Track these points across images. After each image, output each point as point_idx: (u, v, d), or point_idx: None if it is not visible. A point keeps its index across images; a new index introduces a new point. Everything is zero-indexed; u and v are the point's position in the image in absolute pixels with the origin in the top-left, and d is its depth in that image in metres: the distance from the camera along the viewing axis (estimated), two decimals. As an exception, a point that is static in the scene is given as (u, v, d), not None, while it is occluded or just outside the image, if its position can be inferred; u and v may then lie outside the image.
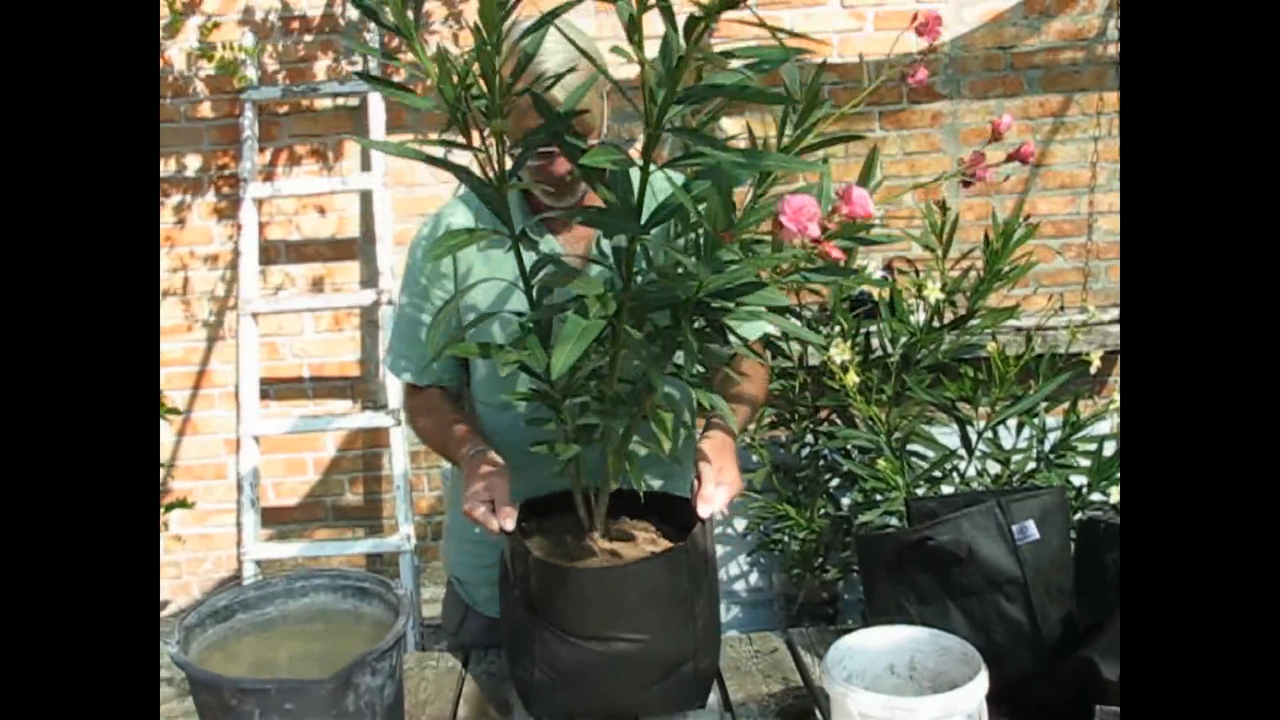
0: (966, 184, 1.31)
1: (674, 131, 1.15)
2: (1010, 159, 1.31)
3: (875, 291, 2.18)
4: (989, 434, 1.94)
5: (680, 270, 1.20)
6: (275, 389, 3.24)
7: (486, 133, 1.23)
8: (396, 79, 3.06)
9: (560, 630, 1.26)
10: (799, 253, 1.10)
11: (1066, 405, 1.92)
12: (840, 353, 1.86)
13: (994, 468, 2.00)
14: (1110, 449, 1.86)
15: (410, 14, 1.19)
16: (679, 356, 1.24)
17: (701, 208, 1.14)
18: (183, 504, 3.07)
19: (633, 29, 1.07)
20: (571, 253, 1.54)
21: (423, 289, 1.57)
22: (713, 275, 1.14)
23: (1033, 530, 1.34)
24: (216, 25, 3.06)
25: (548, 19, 1.18)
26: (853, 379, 1.85)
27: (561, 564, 1.30)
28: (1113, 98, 3.17)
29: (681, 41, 1.05)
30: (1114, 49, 3.16)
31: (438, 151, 1.26)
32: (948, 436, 2.00)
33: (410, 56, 1.23)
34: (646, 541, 1.38)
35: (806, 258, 1.17)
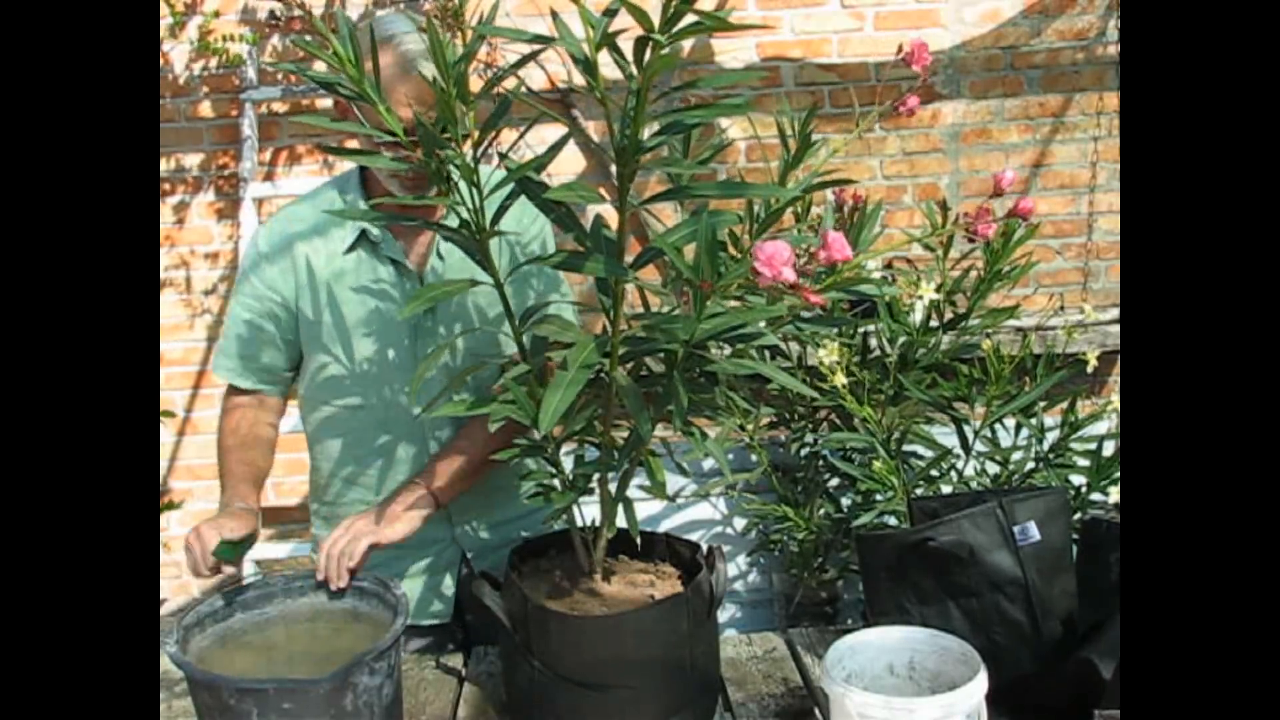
0: (970, 239, 1.30)
1: (652, 166, 1.15)
2: (1010, 215, 1.31)
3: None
4: (986, 433, 1.94)
5: (674, 318, 1.20)
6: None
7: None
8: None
9: (559, 676, 1.26)
10: (795, 301, 1.10)
11: (1065, 405, 1.92)
12: (830, 354, 1.86)
13: (993, 468, 2.00)
14: (1109, 449, 1.86)
15: (370, 76, 1.21)
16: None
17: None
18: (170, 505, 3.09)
19: (589, 71, 1.08)
20: (413, 255, 1.57)
21: (257, 293, 1.57)
22: (704, 321, 1.13)
23: (1034, 531, 1.34)
24: (218, 14, 3.06)
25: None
26: (842, 379, 1.85)
27: (560, 611, 1.29)
28: (1113, 98, 3.17)
29: (634, 70, 1.06)
30: (1114, 49, 3.16)
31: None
32: (947, 436, 2.00)
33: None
34: (646, 584, 1.38)
35: (803, 307, 1.17)
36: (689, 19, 1.03)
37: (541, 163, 1.23)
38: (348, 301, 1.54)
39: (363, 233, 1.54)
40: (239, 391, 1.65)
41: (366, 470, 1.60)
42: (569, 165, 3.10)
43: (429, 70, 1.25)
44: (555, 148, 1.26)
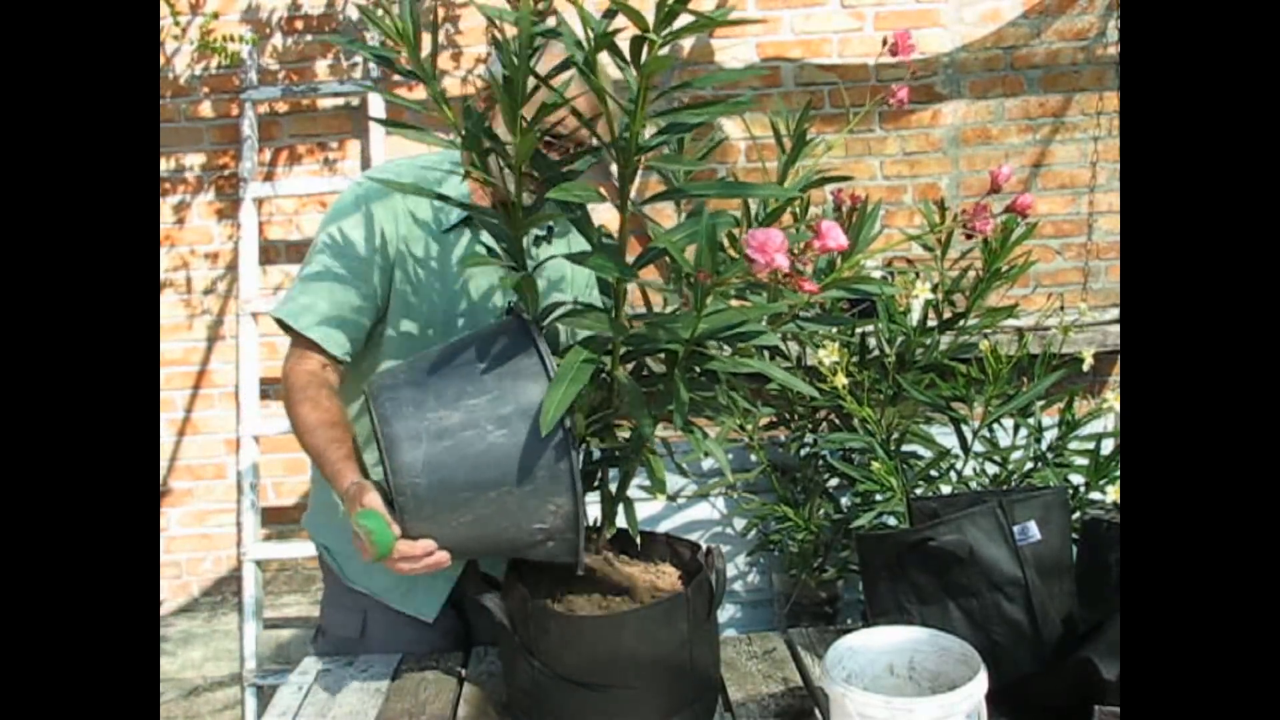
0: (968, 236, 1.31)
1: (653, 165, 1.16)
2: (1007, 211, 1.31)
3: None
4: (985, 434, 1.94)
5: (674, 317, 1.20)
6: (275, 389, 3.24)
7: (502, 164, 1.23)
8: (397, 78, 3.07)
9: (559, 676, 1.26)
10: (795, 297, 1.10)
11: (1062, 404, 1.92)
12: (829, 354, 1.86)
13: (992, 468, 2.00)
14: (1107, 447, 1.86)
15: (426, 53, 1.20)
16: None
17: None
18: None
19: (590, 70, 1.08)
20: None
21: (354, 249, 1.45)
22: (705, 319, 1.13)
23: (1034, 531, 1.34)
24: (216, 16, 3.07)
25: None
26: (842, 380, 1.85)
27: (560, 611, 1.30)
28: (1113, 98, 3.17)
29: (634, 72, 1.06)
30: (1114, 49, 3.16)
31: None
32: (946, 437, 2.00)
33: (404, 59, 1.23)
34: (647, 584, 1.38)
35: (803, 305, 1.17)
36: (684, 18, 1.04)
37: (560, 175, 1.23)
38: (443, 279, 1.48)
39: (468, 217, 1.48)
40: (308, 348, 1.46)
41: None
42: (569, 165, 3.11)
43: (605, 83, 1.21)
44: (572, 156, 1.26)
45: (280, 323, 1.47)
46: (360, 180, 1.51)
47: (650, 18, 1.03)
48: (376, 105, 3.09)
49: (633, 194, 1.16)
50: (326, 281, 1.45)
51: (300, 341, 1.47)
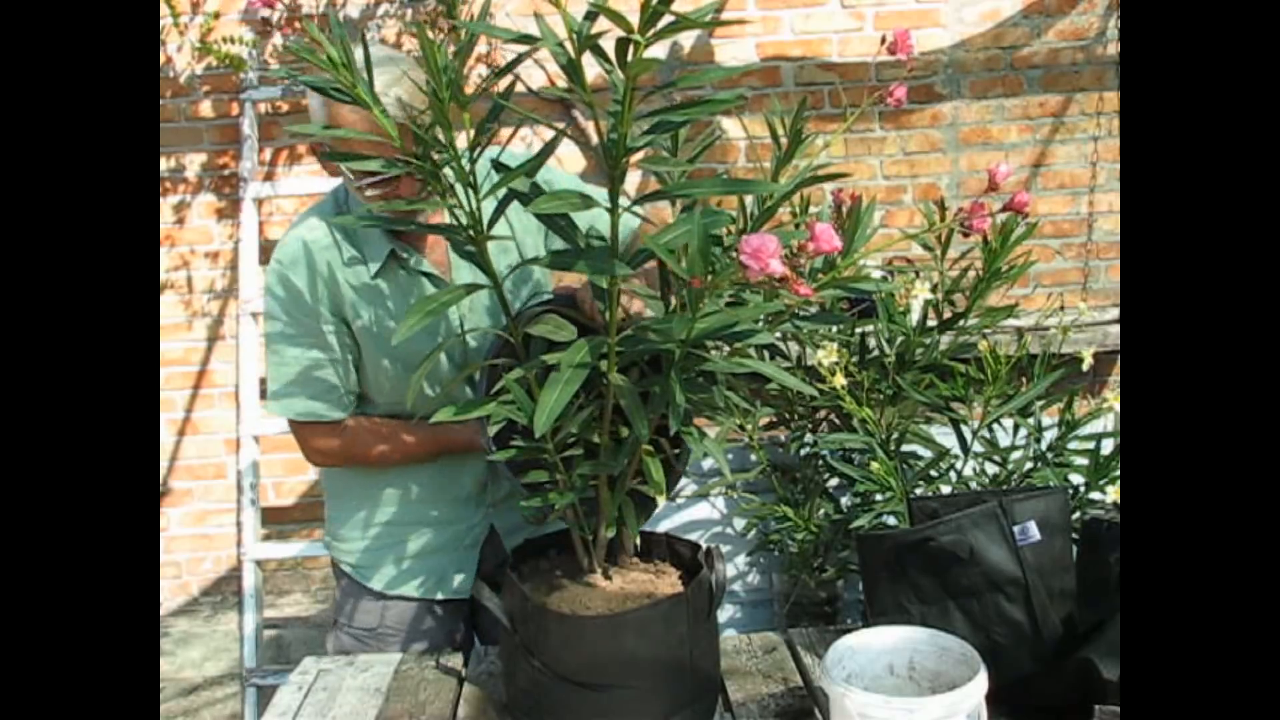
0: (965, 234, 1.31)
1: (642, 165, 1.16)
2: (1005, 209, 1.31)
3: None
4: (984, 433, 1.94)
5: (670, 318, 1.20)
6: (275, 389, 3.25)
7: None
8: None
9: (559, 676, 1.26)
10: (791, 299, 1.10)
11: (1061, 404, 1.91)
12: (829, 355, 1.85)
13: (992, 468, 2.00)
14: (1107, 447, 1.86)
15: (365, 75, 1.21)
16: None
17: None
18: None
19: (573, 71, 1.08)
20: (432, 261, 1.58)
21: (306, 324, 1.55)
22: (700, 320, 1.13)
23: (1034, 531, 1.34)
24: (218, 16, 3.07)
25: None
26: (840, 381, 1.85)
27: (560, 611, 1.29)
28: (1113, 98, 3.17)
29: (620, 73, 1.06)
30: (1114, 49, 3.16)
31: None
32: (946, 436, 2.00)
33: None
34: (647, 584, 1.38)
35: (800, 305, 1.17)
36: (668, 19, 1.04)
37: (530, 168, 1.22)
38: (391, 321, 1.55)
39: (392, 252, 1.54)
40: (324, 425, 1.61)
41: (421, 474, 1.63)
42: (569, 166, 3.11)
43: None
44: (544, 152, 1.25)
45: None
46: (277, 260, 1.58)
47: (634, 19, 1.03)
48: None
49: (632, 193, 1.16)
50: (310, 369, 1.57)
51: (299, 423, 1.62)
